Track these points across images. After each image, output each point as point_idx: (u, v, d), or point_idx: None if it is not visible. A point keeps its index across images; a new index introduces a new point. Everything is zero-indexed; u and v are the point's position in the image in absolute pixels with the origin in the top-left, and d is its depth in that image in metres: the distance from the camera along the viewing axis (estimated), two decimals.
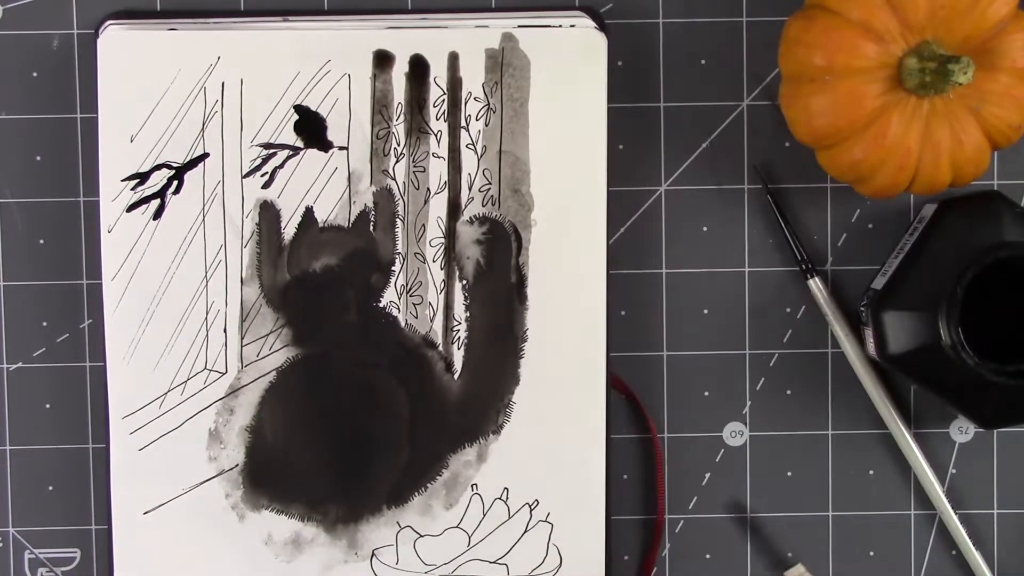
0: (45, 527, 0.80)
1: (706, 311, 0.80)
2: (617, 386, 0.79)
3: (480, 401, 0.78)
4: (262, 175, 0.77)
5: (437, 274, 0.77)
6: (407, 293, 0.77)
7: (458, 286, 0.78)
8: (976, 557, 0.80)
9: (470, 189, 0.77)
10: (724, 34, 0.79)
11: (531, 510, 0.78)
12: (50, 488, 0.80)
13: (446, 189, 0.77)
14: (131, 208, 0.77)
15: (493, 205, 0.77)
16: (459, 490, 0.78)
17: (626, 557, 0.81)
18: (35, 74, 0.79)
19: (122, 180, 0.77)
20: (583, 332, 0.77)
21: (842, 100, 0.71)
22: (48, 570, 0.80)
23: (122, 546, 0.78)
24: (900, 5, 0.70)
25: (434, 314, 0.78)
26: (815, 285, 0.79)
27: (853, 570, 0.81)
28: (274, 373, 0.78)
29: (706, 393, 0.80)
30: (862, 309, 0.78)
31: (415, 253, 0.77)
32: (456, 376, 0.78)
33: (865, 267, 0.80)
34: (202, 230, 0.77)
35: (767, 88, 0.80)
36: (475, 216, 0.77)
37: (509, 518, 0.78)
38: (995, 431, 0.81)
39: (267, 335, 0.78)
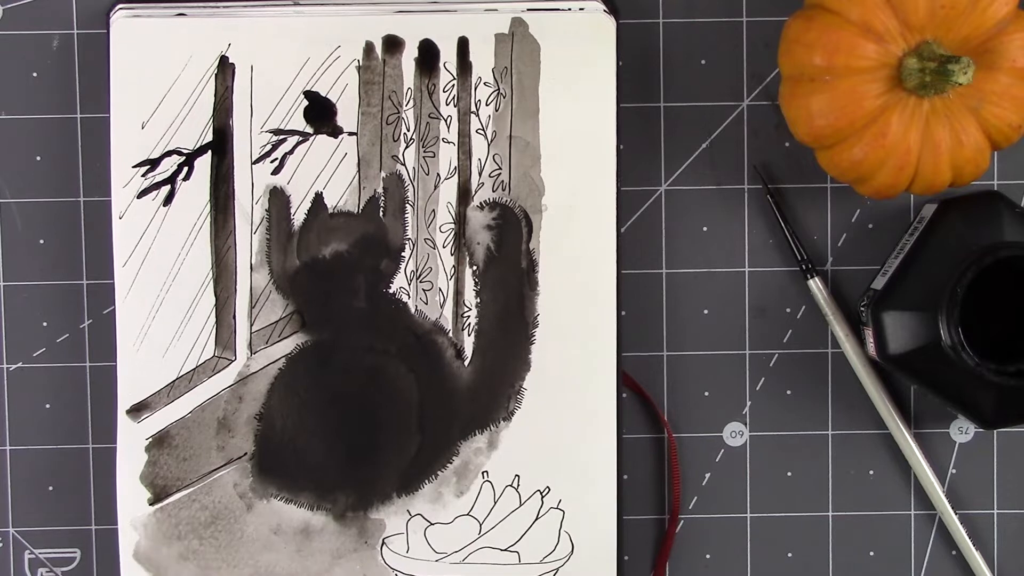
0: (45, 527, 0.80)
1: (706, 311, 0.80)
2: (628, 384, 0.79)
3: (490, 387, 0.78)
4: (272, 161, 0.77)
5: (447, 260, 0.77)
6: (417, 279, 0.77)
7: (468, 272, 0.78)
8: (976, 557, 0.80)
9: (480, 174, 0.77)
10: (724, 34, 0.79)
11: (542, 497, 0.78)
12: (50, 488, 0.80)
13: (456, 174, 0.77)
14: (141, 194, 0.77)
15: (503, 190, 0.77)
16: (470, 477, 0.78)
17: (626, 558, 0.81)
18: (35, 74, 0.79)
19: (133, 166, 0.77)
20: (594, 316, 0.77)
21: (842, 100, 0.71)
22: (48, 570, 0.80)
23: (127, 537, 0.78)
24: (900, 5, 0.70)
25: (444, 300, 0.78)
26: (815, 285, 0.79)
27: (853, 570, 0.81)
28: (283, 360, 0.78)
29: (706, 393, 0.80)
30: (862, 309, 0.78)
31: (425, 239, 0.77)
32: (466, 362, 0.78)
33: (865, 267, 0.80)
34: (212, 216, 0.77)
35: (767, 88, 0.80)
36: (485, 201, 0.77)
37: (520, 505, 0.78)
38: (995, 431, 0.81)
39: (276, 321, 0.78)
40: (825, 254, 0.80)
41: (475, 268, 0.78)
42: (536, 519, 0.78)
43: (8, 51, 0.79)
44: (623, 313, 0.80)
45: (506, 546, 0.78)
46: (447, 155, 0.77)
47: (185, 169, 0.77)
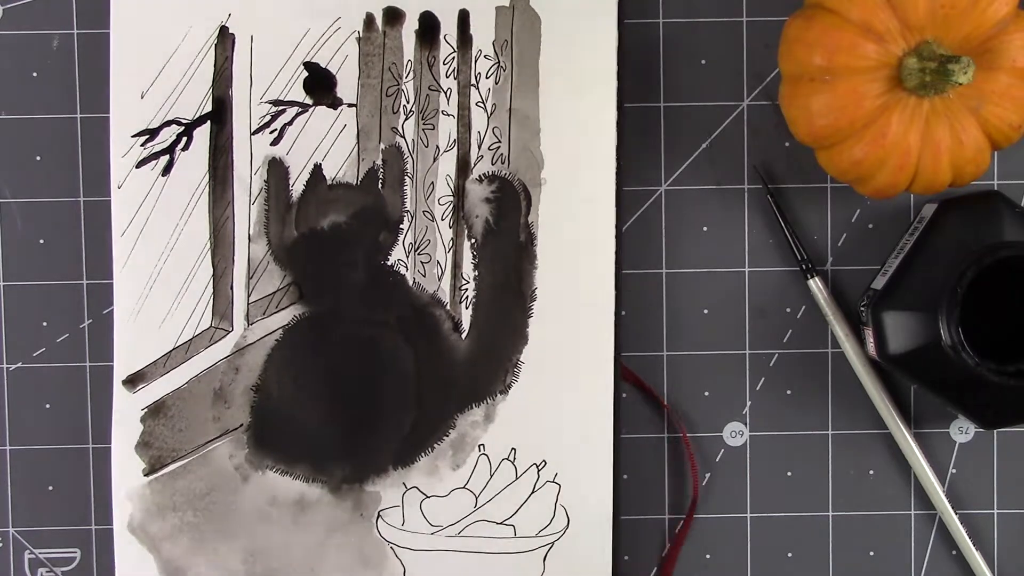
0: (45, 527, 0.80)
1: (706, 311, 0.80)
2: (628, 377, 0.79)
3: (488, 361, 0.77)
4: (271, 132, 0.77)
5: (446, 232, 0.77)
6: (415, 251, 0.77)
7: (467, 244, 0.77)
8: (976, 557, 0.80)
9: (479, 147, 0.77)
10: (724, 34, 0.79)
11: (539, 471, 0.78)
12: (50, 488, 0.80)
13: (455, 147, 0.77)
14: (140, 164, 0.77)
15: (502, 163, 0.77)
16: (466, 451, 0.78)
17: (627, 557, 0.81)
18: (35, 74, 0.79)
19: (132, 136, 0.77)
20: (592, 290, 0.77)
21: (842, 100, 0.71)
22: (48, 570, 0.80)
23: (122, 509, 0.77)
24: (900, 5, 0.70)
25: (442, 273, 0.77)
26: (815, 285, 0.79)
27: (853, 570, 0.81)
28: (280, 331, 0.78)
29: (706, 393, 0.80)
30: (862, 309, 0.78)
31: (424, 211, 0.77)
32: (464, 335, 0.78)
33: (865, 267, 0.80)
34: (210, 186, 0.77)
35: (767, 88, 0.80)
36: (484, 174, 0.77)
37: (516, 479, 0.78)
38: (995, 431, 0.81)
39: (274, 293, 0.77)
40: (825, 254, 0.80)
41: (473, 241, 0.77)
42: (532, 492, 0.78)
43: (8, 51, 0.79)
44: (623, 313, 0.80)
45: (502, 519, 0.78)
46: (446, 128, 0.77)
47: (184, 139, 0.77)
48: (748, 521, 0.81)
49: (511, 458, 0.78)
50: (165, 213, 0.77)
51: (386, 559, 0.78)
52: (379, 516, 0.78)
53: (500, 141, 0.77)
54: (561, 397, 0.77)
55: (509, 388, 0.78)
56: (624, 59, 0.78)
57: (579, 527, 0.78)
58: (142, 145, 0.77)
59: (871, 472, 0.81)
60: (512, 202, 0.77)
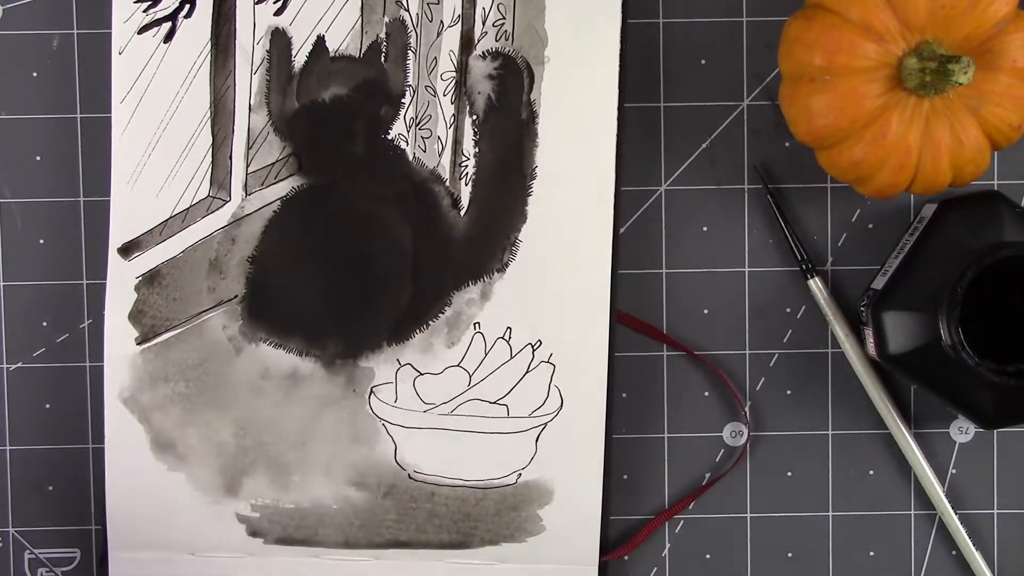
0: (45, 527, 0.80)
1: (706, 311, 0.80)
2: (626, 321, 0.78)
3: (486, 238, 0.77)
4: (274, 2, 0.76)
5: (447, 108, 0.76)
6: (416, 126, 0.76)
7: (468, 121, 0.76)
8: (976, 557, 0.80)
9: (484, 23, 0.76)
10: (724, 34, 0.79)
11: (534, 350, 0.77)
12: (50, 488, 0.80)
13: (460, 22, 0.76)
14: (142, 30, 0.76)
15: (507, 40, 0.76)
16: (461, 328, 0.77)
17: (625, 558, 0.81)
18: (35, 74, 0.79)
19: (134, 1, 0.76)
20: (592, 170, 0.76)
21: (842, 100, 0.71)
22: (48, 570, 0.80)
23: (113, 378, 0.77)
24: (900, 5, 0.70)
25: (442, 148, 0.76)
26: (815, 285, 0.79)
27: (853, 570, 0.81)
28: (278, 203, 0.77)
29: (706, 393, 0.80)
30: (862, 309, 0.78)
31: (426, 86, 0.76)
32: (463, 212, 0.77)
33: (865, 267, 0.80)
34: (212, 55, 0.76)
35: (767, 88, 0.80)
36: (488, 51, 0.76)
37: (511, 358, 0.77)
38: (995, 431, 0.81)
39: (273, 163, 0.77)
40: (825, 254, 0.80)
41: (475, 118, 0.76)
42: (527, 372, 0.77)
43: (8, 51, 0.79)
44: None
45: (495, 399, 0.77)
46: (451, 2, 0.76)
47: (187, 6, 0.76)
48: (748, 521, 0.81)
49: (506, 337, 0.77)
50: (166, 81, 0.76)
51: (378, 435, 0.77)
52: (372, 392, 0.77)
53: (504, 18, 0.76)
54: (558, 277, 0.76)
55: (507, 267, 0.77)
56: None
57: (573, 409, 0.77)
58: (144, 11, 0.76)
59: (871, 472, 0.81)
60: (515, 79, 0.76)
